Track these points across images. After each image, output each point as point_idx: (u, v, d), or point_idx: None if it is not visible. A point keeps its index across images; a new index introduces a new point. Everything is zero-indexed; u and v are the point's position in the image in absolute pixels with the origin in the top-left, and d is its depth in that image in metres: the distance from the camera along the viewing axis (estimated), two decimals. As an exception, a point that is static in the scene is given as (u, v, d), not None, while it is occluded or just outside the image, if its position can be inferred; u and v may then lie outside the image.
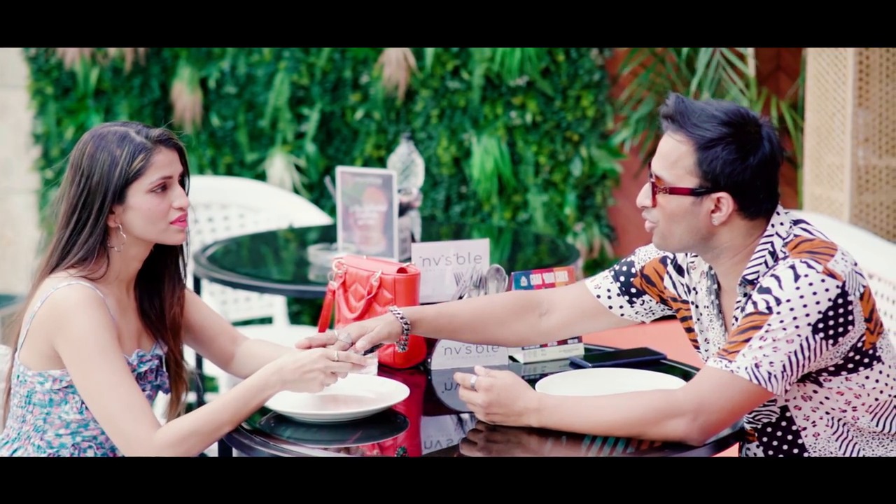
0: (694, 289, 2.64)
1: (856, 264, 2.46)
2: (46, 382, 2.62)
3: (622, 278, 2.75)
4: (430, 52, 5.45)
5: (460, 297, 2.95)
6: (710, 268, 2.58)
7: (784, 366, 2.37)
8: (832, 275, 2.39)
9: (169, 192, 2.63)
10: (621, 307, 2.76)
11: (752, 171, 2.45)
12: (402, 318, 2.68)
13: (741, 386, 2.38)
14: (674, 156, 2.48)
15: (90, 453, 2.65)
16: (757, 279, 2.46)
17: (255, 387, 2.54)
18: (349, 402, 2.63)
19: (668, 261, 2.70)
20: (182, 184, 2.67)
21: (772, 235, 2.49)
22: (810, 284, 2.38)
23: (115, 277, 2.65)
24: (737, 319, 2.50)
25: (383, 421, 2.57)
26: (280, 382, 2.54)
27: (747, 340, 2.39)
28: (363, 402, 2.62)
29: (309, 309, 5.63)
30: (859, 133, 4.77)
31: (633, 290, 2.74)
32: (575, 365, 2.91)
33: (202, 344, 2.84)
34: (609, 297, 2.77)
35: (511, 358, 2.94)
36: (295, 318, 5.60)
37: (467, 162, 5.54)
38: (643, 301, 2.74)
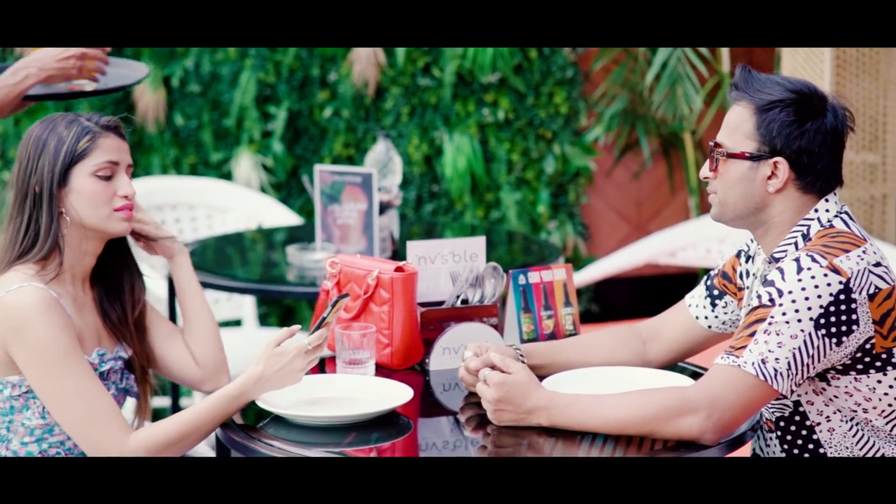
0: (754, 274, 2.61)
1: (878, 264, 2.41)
2: (5, 389, 2.55)
3: (708, 282, 2.72)
4: (400, 49, 5.39)
5: (457, 297, 2.90)
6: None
7: (789, 363, 2.34)
8: (836, 270, 2.36)
9: (115, 179, 2.60)
10: (707, 318, 2.71)
11: (810, 136, 2.42)
12: (515, 347, 2.69)
13: (750, 382, 2.35)
14: (735, 122, 2.48)
15: (59, 460, 2.59)
16: (784, 258, 2.44)
17: (234, 395, 2.51)
18: (352, 404, 2.58)
19: (742, 253, 2.67)
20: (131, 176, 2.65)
21: (812, 219, 2.47)
22: (812, 277, 2.35)
23: (68, 274, 2.60)
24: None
25: (381, 422, 2.52)
26: (261, 391, 2.52)
27: (752, 335, 2.36)
28: (366, 403, 2.57)
29: (277, 311, 5.56)
30: (836, 129, 4.77)
31: (716, 292, 2.70)
32: (578, 363, 2.86)
33: (167, 358, 2.78)
34: (696, 307, 2.72)
35: (511, 357, 2.89)
36: (263, 320, 5.53)
37: (439, 160, 5.49)
38: (725, 303, 2.69)
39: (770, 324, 2.34)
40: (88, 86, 3.26)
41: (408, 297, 2.81)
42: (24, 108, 3.44)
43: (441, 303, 2.92)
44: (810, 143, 2.43)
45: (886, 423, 2.45)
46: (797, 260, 2.37)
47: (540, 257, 4.10)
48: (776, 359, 2.34)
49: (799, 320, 2.34)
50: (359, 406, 2.55)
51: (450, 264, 2.94)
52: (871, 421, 2.45)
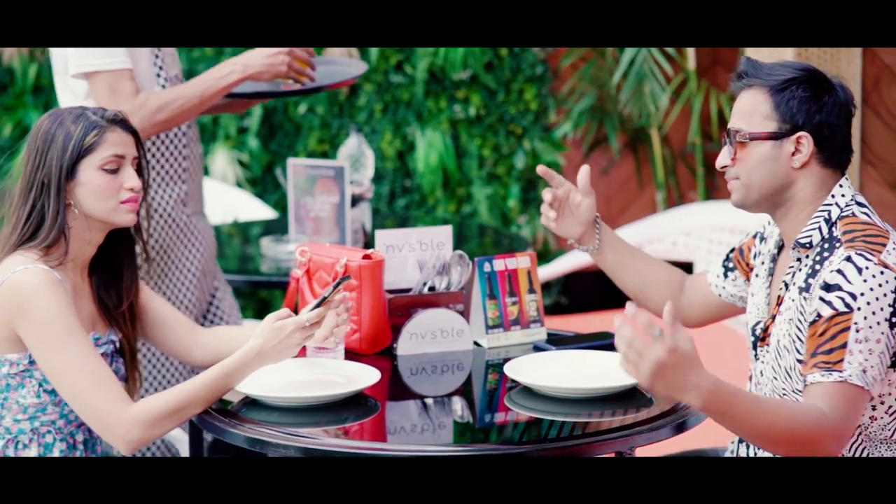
0: (763, 255, 2.68)
1: None
2: (3, 367, 2.62)
3: (728, 255, 2.82)
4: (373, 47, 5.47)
5: (424, 284, 2.98)
6: (780, 238, 2.63)
7: (878, 367, 2.39)
8: (887, 266, 2.41)
9: (121, 172, 2.66)
10: (717, 286, 2.82)
11: (828, 109, 2.50)
12: (596, 214, 2.88)
13: (858, 392, 2.38)
14: (749, 106, 2.52)
15: (49, 438, 2.66)
16: (810, 244, 2.49)
17: (234, 368, 2.57)
18: (321, 386, 2.65)
19: (758, 234, 2.75)
20: (139, 169, 2.70)
21: (831, 205, 2.52)
22: (874, 276, 2.39)
23: (71, 262, 2.67)
24: (786, 286, 2.52)
25: (350, 404, 2.60)
26: (260, 364, 2.58)
27: (844, 346, 2.38)
28: (335, 385, 2.65)
29: (253, 304, 5.62)
30: (798, 124, 4.86)
31: (730, 265, 2.80)
32: (538, 348, 2.95)
33: (160, 329, 2.84)
34: (711, 273, 2.85)
35: (475, 343, 2.98)
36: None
37: (411, 155, 5.56)
38: (735, 277, 2.79)
39: (858, 331, 2.37)
40: (295, 85, 3.36)
41: (376, 284, 2.88)
42: (236, 108, 3.53)
43: (408, 290, 2.99)
44: (829, 116, 2.50)
45: (891, 422, 2.48)
46: (850, 259, 2.41)
47: (510, 250, 4.16)
48: (871, 366, 2.38)
49: (878, 322, 2.38)
50: (327, 388, 2.62)
51: (417, 252, 3.01)
52: (875, 420, 2.47)
